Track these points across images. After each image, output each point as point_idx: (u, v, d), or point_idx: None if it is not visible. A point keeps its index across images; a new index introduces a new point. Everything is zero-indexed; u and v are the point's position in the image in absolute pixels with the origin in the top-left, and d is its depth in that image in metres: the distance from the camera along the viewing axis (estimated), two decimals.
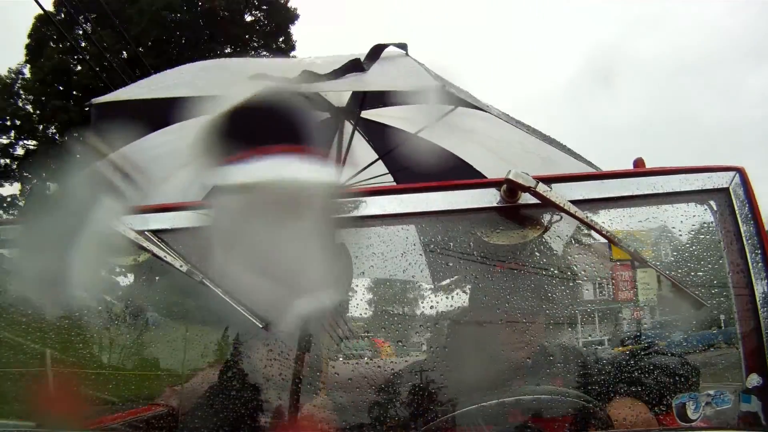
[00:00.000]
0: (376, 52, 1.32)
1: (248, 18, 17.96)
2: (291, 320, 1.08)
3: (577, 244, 1.11)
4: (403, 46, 1.37)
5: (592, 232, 1.05)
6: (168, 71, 1.49)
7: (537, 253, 1.14)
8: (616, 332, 1.20)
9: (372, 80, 1.28)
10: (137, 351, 1.31)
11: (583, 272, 1.12)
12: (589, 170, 1.59)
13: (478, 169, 2.17)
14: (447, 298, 1.21)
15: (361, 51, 1.39)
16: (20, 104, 17.04)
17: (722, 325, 1.06)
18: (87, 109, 1.42)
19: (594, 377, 1.06)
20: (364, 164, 2.24)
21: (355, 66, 1.22)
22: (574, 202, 1.03)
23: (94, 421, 1.20)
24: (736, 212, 1.04)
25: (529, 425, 0.98)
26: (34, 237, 1.12)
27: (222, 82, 1.37)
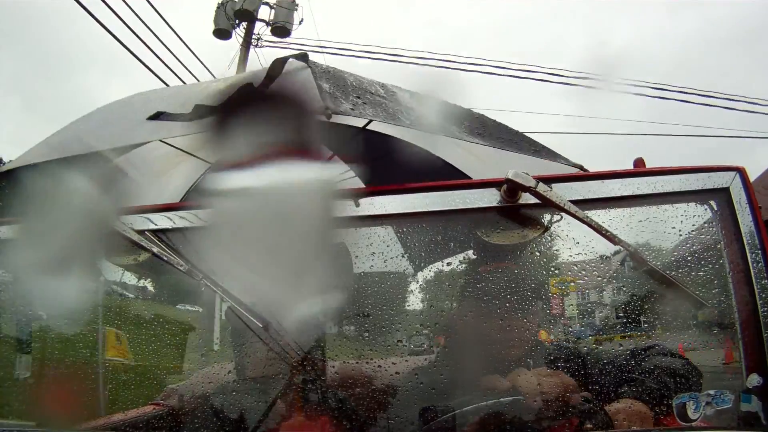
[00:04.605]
0: (278, 66, 1.26)
1: None
2: (290, 320, 1.08)
3: (576, 243, 1.11)
4: (303, 57, 1.25)
5: (592, 232, 1.05)
6: (70, 124, 1.42)
7: (537, 253, 1.14)
8: (615, 332, 1.20)
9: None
10: (137, 351, 1.31)
11: (583, 272, 1.12)
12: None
13: (441, 156, 2.09)
14: (447, 297, 1.21)
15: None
16: None
17: (722, 324, 1.06)
18: None
19: (594, 377, 1.06)
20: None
21: (248, 89, 1.14)
22: (574, 202, 1.03)
23: (94, 421, 1.20)
24: (736, 212, 1.04)
25: (529, 425, 0.98)
26: (32, 236, 1.11)
27: (122, 128, 1.33)
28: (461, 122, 1.36)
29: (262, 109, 1.03)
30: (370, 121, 1.87)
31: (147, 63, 6.40)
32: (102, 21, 5.53)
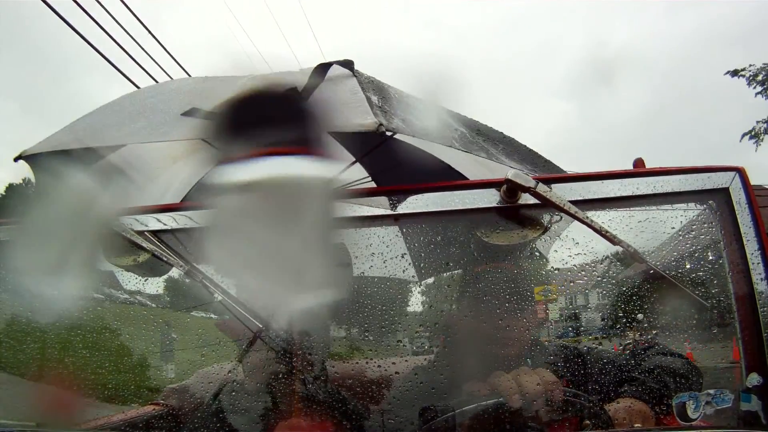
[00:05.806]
0: (321, 72, 1.17)
1: None
2: (288, 320, 1.08)
3: (575, 244, 1.11)
4: (348, 64, 1.20)
5: (592, 233, 1.05)
6: (97, 111, 1.40)
7: (536, 253, 1.14)
8: (615, 332, 1.20)
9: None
10: (136, 350, 1.31)
11: (582, 272, 1.12)
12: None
13: (457, 169, 2.09)
14: (447, 297, 1.21)
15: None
16: None
17: (722, 324, 1.06)
18: (16, 161, 1.30)
19: (594, 376, 1.06)
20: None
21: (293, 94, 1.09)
22: (574, 202, 1.03)
23: (94, 421, 1.20)
24: (736, 212, 1.04)
25: (530, 424, 0.98)
26: (32, 236, 1.11)
27: (153, 121, 1.29)
28: (496, 142, 1.34)
29: (300, 113, 0.98)
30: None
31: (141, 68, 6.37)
32: (102, 25, 5.54)
